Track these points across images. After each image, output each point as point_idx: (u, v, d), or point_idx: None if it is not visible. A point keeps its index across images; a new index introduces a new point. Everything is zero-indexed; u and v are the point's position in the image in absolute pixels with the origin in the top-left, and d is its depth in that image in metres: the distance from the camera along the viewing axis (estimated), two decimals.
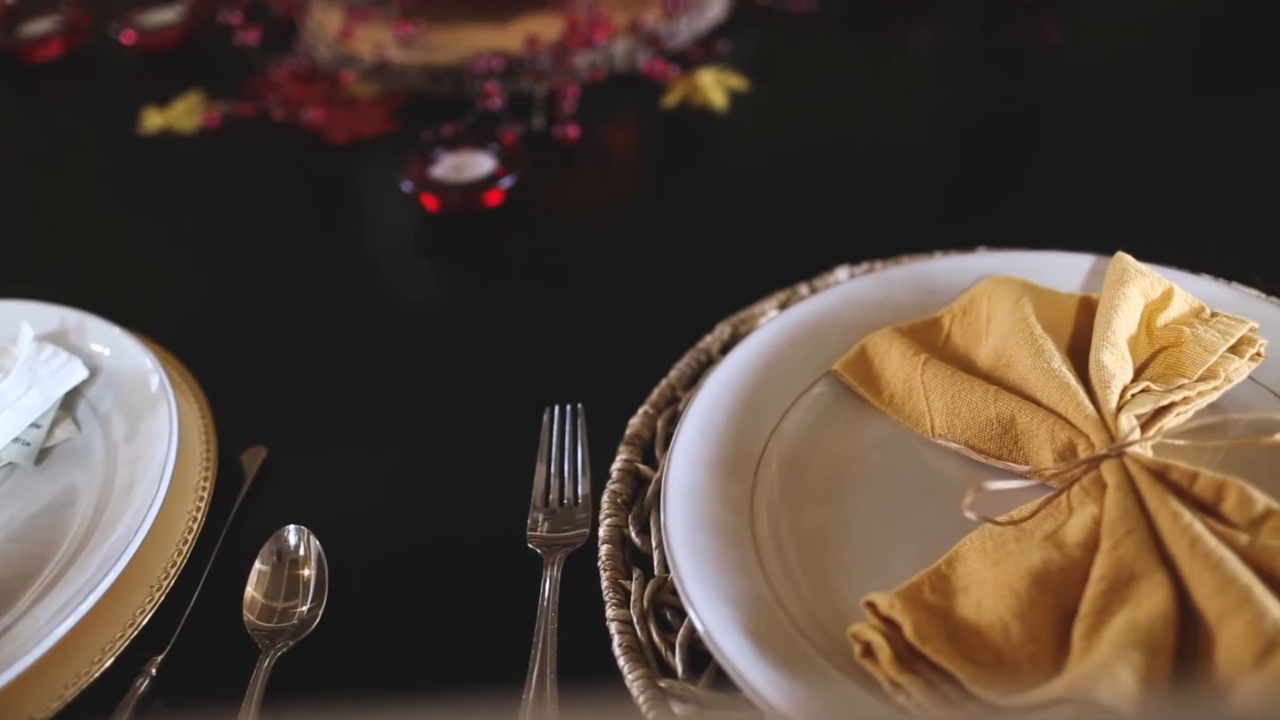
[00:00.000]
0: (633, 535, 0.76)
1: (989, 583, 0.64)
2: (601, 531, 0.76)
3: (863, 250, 0.98)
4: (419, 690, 0.71)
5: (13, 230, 1.29)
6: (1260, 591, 0.56)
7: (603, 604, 0.71)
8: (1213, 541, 0.60)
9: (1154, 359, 0.77)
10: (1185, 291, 0.81)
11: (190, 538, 0.78)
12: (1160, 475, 0.65)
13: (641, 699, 0.65)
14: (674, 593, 0.70)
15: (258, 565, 0.76)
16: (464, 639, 0.73)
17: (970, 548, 0.67)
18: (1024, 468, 0.72)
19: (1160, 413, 0.72)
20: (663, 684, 0.66)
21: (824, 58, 1.45)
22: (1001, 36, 1.44)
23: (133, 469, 0.82)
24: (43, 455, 0.86)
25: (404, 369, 0.98)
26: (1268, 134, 1.15)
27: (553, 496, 0.80)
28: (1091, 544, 0.64)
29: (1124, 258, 0.82)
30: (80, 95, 1.60)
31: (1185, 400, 0.73)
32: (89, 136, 1.47)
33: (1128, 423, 0.69)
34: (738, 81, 1.36)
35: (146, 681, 0.71)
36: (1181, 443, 0.70)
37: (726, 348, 0.89)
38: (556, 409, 0.87)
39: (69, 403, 0.89)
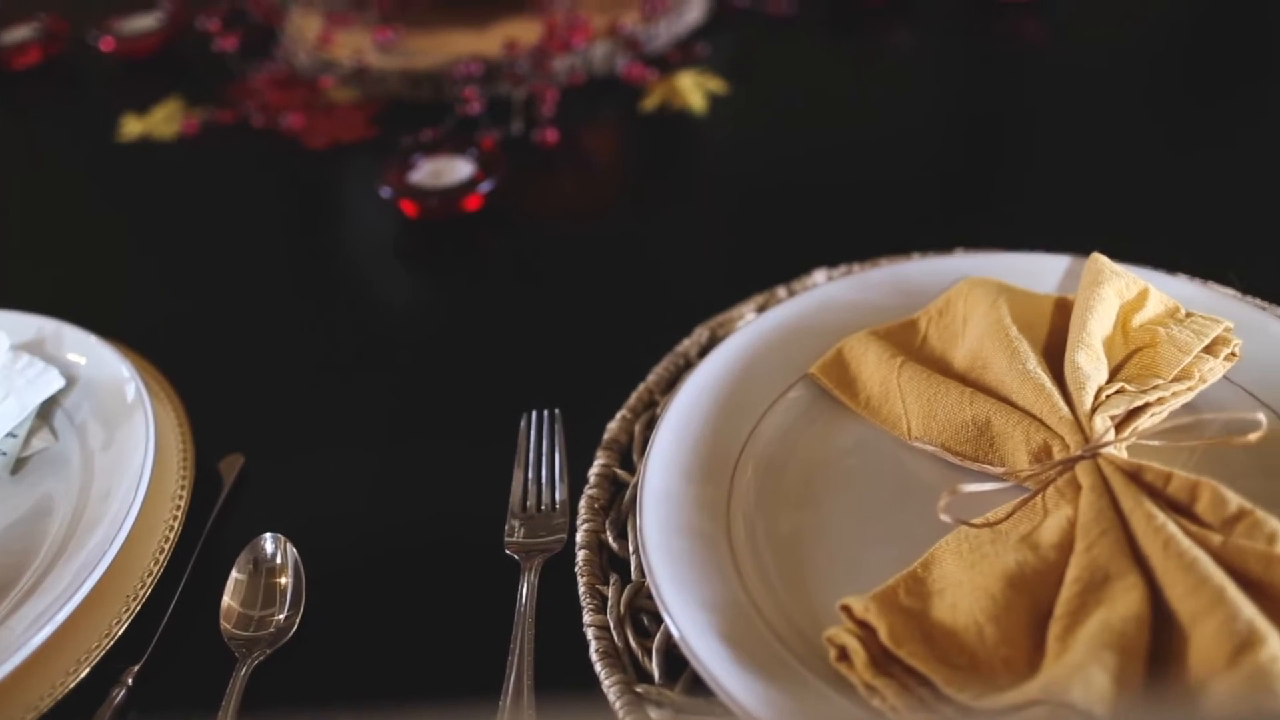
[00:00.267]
0: (610, 540, 0.76)
1: (964, 585, 0.64)
2: (579, 537, 0.76)
3: (842, 252, 0.98)
4: (396, 697, 0.70)
5: None
6: (1233, 592, 0.56)
7: (580, 609, 0.71)
8: (1186, 542, 0.60)
9: (1129, 360, 0.77)
10: (1160, 292, 0.81)
11: (167, 547, 0.78)
12: (1134, 476, 0.65)
13: (618, 704, 0.65)
14: (651, 598, 0.70)
15: (234, 574, 0.76)
16: (441, 645, 0.73)
17: (946, 550, 0.67)
18: (1000, 469, 0.72)
19: (1135, 413, 0.72)
20: (639, 689, 0.66)
21: (803, 60, 1.45)
22: (980, 38, 1.44)
23: (109, 478, 0.82)
24: (19, 465, 0.86)
25: (382, 375, 0.98)
26: (1246, 134, 1.16)
27: (530, 502, 0.80)
28: (1066, 545, 0.64)
29: (1099, 258, 0.82)
30: (59, 102, 1.60)
31: (1160, 401, 0.73)
32: (68, 144, 1.47)
33: (1102, 424, 0.69)
34: (716, 84, 1.36)
35: (123, 692, 0.71)
36: (1156, 443, 0.71)
37: (704, 351, 0.89)
38: (534, 414, 0.86)
39: (46, 412, 0.89)
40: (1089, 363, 0.73)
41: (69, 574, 0.73)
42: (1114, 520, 0.63)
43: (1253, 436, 0.66)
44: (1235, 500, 0.62)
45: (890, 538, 0.72)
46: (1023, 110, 1.28)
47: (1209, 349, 0.76)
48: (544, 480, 0.81)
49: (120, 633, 0.73)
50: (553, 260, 1.10)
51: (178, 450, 0.86)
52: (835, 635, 0.63)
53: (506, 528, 0.78)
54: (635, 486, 0.76)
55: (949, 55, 1.44)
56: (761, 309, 0.93)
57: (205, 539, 0.81)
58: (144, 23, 1.65)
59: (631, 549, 0.74)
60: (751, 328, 0.87)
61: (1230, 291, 0.87)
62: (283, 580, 0.76)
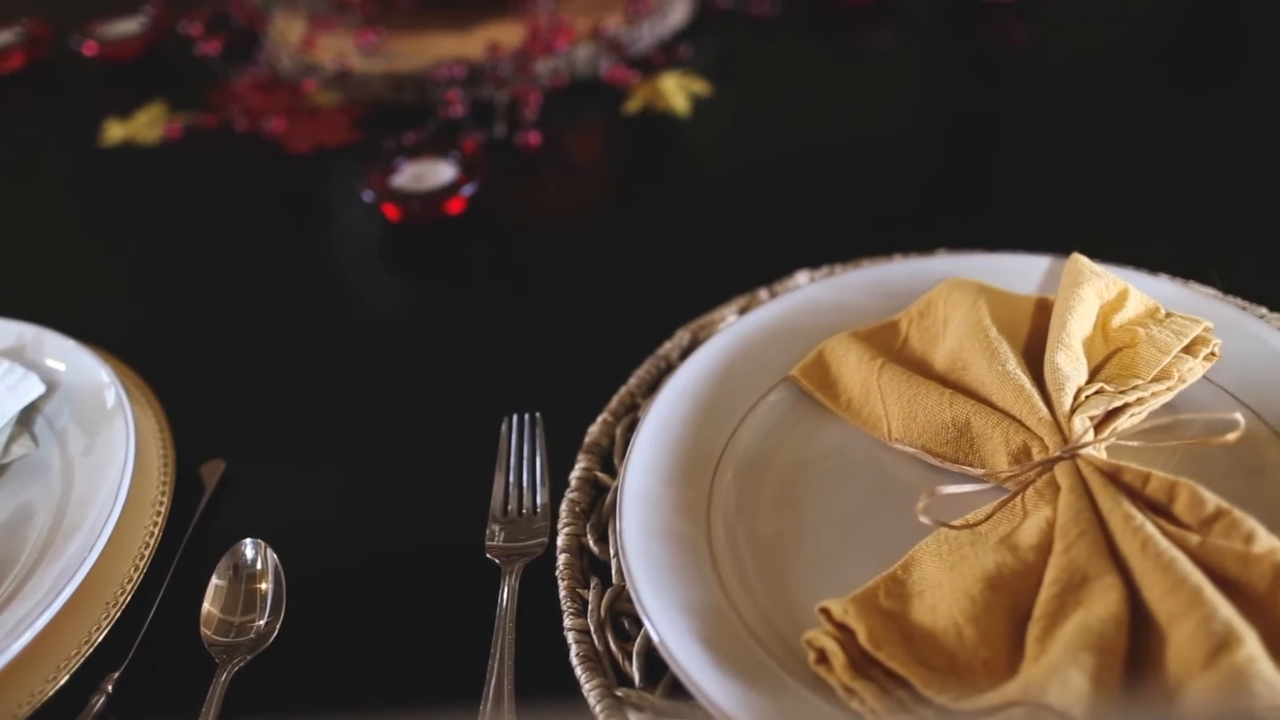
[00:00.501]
0: (591, 544, 0.76)
1: (944, 587, 0.64)
2: (559, 540, 0.75)
3: (826, 253, 0.98)
4: (377, 703, 0.70)
5: None
6: (1210, 592, 0.56)
7: (561, 613, 0.71)
8: (1164, 543, 0.60)
9: (1109, 360, 0.77)
10: (1140, 292, 0.81)
11: (147, 553, 0.78)
12: (1113, 477, 0.65)
13: (599, 708, 0.65)
14: (631, 601, 0.70)
15: (214, 580, 0.76)
16: (422, 650, 0.73)
17: (926, 552, 0.67)
18: (980, 471, 0.73)
19: (1114, 414, 0.72)
20: (620, 693, 0.66)
21: (787, 61, 1.45)
22: (963, 39, 1.45)
23: (89, 484, 0.81)
24: None
25: (365, 379, 0.98)
26: (1229, 133, 1.16)
27: (511, 506, 0.79)
28: (1045, 546, 0.64)
29: (1079, 259, 0.82)
30: (42, 107, 1.59)
31: (1139, 401, 0.73)
32: (51, 148, 1.47)
33: (1081, 424, 0.69)
34: (700, 86, 1.36)
35: (103, 699, 0.70)
36: (1135, 444, 0.71)
37: (686, 354, 0.88)
38: (515, 418, 0.86)
39: (26, 418, 0.89)
40: (1068, 363, 0.73)
41: (48, 580, 0.73)
42: (1092, 521, 0.63)
43: (1231, 437, 0.67)
44: (1213, 500, 0.62)
45: (871, 539, 0.72)
46: (1005, 111, 1.28)
47: (1189, 349, 0.76)
48: (525, 484, 0.81)
49: (100, 639, 0.73)
50: (535, 263, 1.10)
51: (158, 456, 0.86)
52: (814, 638, 0.63)
53: (487, 532, 0.78)
54: (615, 490, 0.76)
55: (932, 56, 1.44)
56: (743, 311, 0.93)
57: (186, 545, 0.81)
58: (127, 27, 1.64)
59: (613, 552, 0.74)
60: (732, 330, 0.87)
61: (1211, 291, 0.87)
62: (263, 586, 0.76)
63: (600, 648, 0.69)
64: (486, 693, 0.67)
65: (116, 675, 0.72)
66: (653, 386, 0.87)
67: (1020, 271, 0.88)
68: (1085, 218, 1.06)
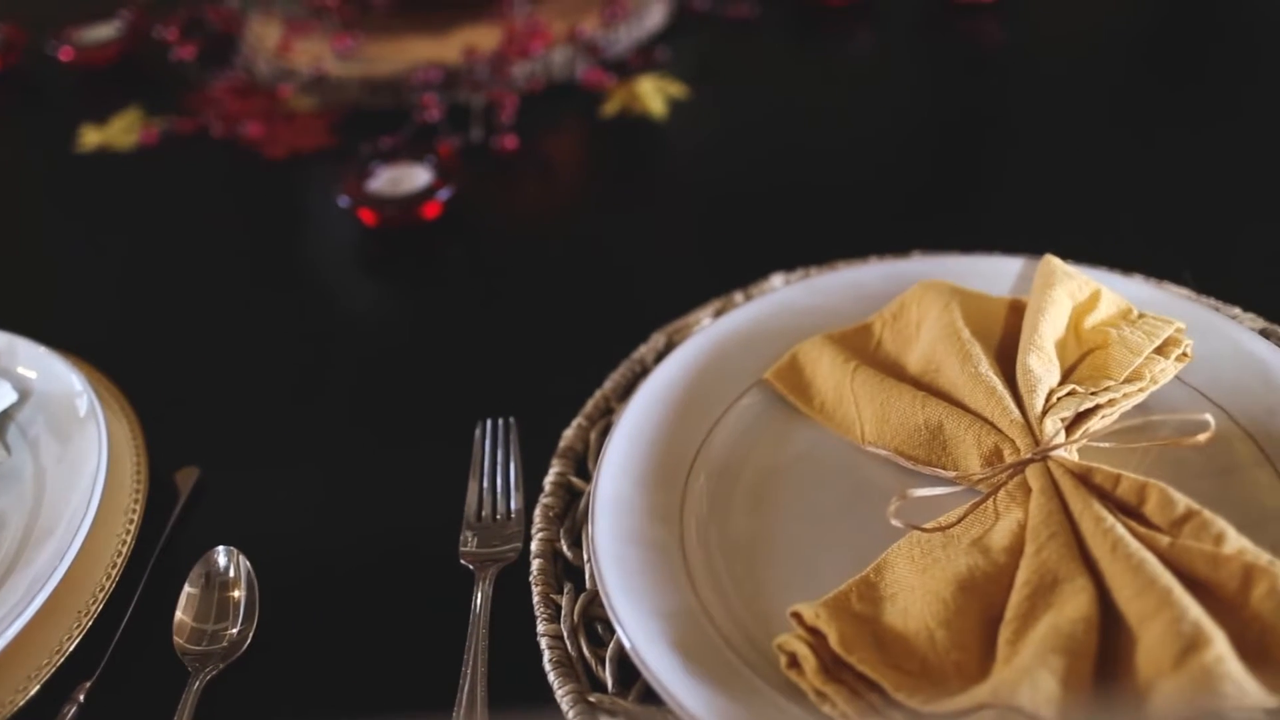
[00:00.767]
0: (564, 549, 0.75)
1: (916, 590, 0.64)
2: (533, 546, 0.75)
3: (803, 255, 0.98)
4: (350, 710, 0.70)
5: None
6: (1180, 593, 0.57)
7: (535, 619, 0.71)
8: (1134, 544, 0.60)
9: (1081, 361, 0.77)
10: (1113, 293, 0.81)
11: (120, 561, 0.77)
12: (1084, 479, 0.65)
13: (571, 713, 0.65)
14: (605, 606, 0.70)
15: (187, 588, 0.75)
16: (396, 657, 0.73)
17: (898, 555, 0.67)
18: (952, 473, 0.73)
19: (1085, 415, 0.72)
20: (593, 698, 0.66)
21: (764, 63, 1.45)
22: (941, 40, 1.45)
23: (62, 493, 0.81)
24: None
25: (340, 385, 0.97)
26: (1206, 134, 1.16)
27: (485, 512, 0.79)
28: (1017, 549, 0.64)
29: (1051, 260, 0.82)
30: (17, 113, 1.59)
31: (1111, 403, 0.73)
32: (26, 154, 1.46)
33: (1052, 426, 0.69)
34: (677, 89, 1.36)
35: (74, 709, 0.70)
36: (1107, 445, 0.71)
37: (661, 357, 0.88)
38: (489, 423, 0.86)
39: None
40: (1040, 365, 0.73)
41: (20, 589, 0.73)
42: (1063, 523, 0.63)
43: (1202, 438, 0.67)
44: (1183, 501, 0.62)
45: (844, 543, 0.72)
46: (983, 112, 1.28)
47: (1161, 350, 0.77)
48: (499, 489, 0.81)
49: (72, 649, 0.72)
50: (511, 267, 1.10)
51: (132, 463, 0.85)
52: (786, 642, 0.63)
53: (461, 538, 0.78)
54: (589, 495, 0.76)
55: (909, 57, 1.44)
56: (718, 314, 0.93)
57: (159, 553, 0.81)
58: (103, 32, 1.64)
59: (587, 557, 0.74)
60: (705, 334, 0.86)
61: (1185, 292, 0.87)
62: (236, 594, 0.75)
63: (573, 653, 0.69)
64: (460, 699, 0.67)
65: (89, 684, 0.72)
66: (628, 390, 0.87)
67: (995, 273, 0.88)
68: (1062, 218, 1.06)
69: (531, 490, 0.81)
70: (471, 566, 0.75)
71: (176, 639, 0.73)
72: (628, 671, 0.67)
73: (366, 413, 0.94)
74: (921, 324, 0.82)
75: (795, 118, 1.31)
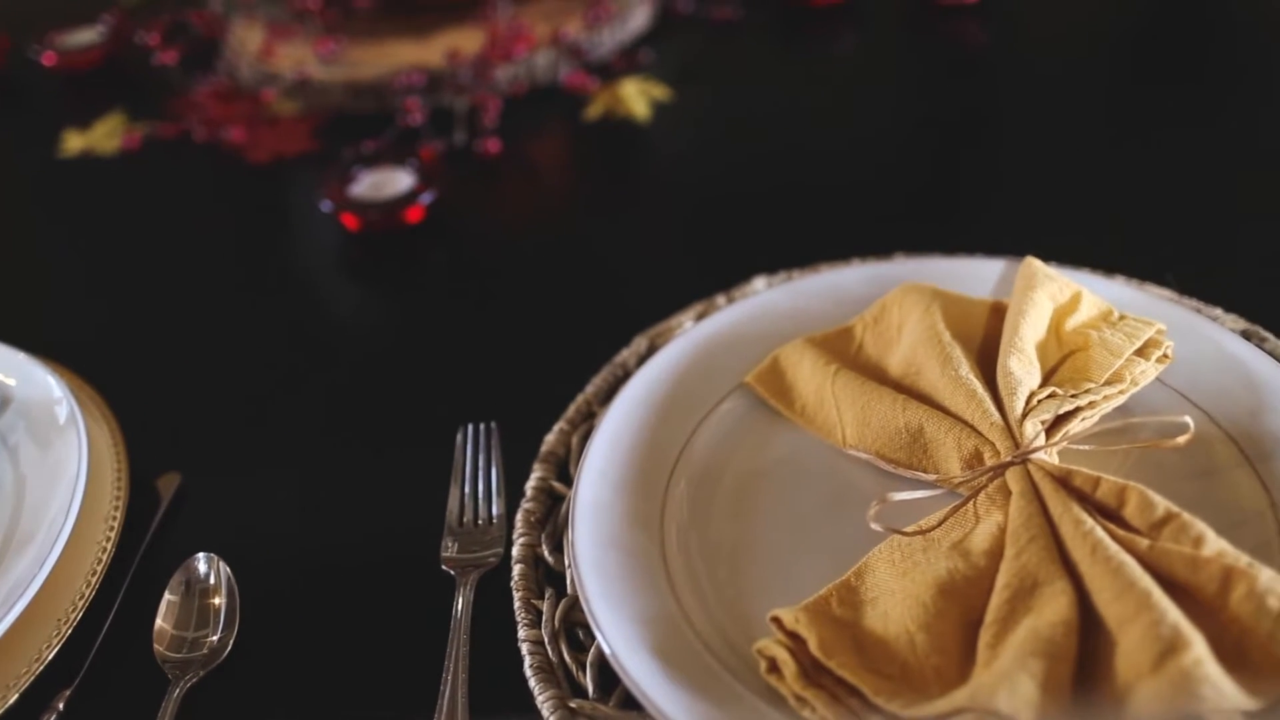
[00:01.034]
0: (546, 554, 0.75)
1: (896, 594, 0.64)
2: (515, 551, 0.75)
3: (787, 257, 0.98)
4: (330, 716, 0.70)
5: None
6: (1159, 596, 0.57)
7: (516, 624, 0.71)
8: (1114, 547, 0.60)
9: (1062, 363, 0.77)
10: (1094, 295, 0.81)
11: (100, 569, 0.77)
12: (1063, 481, 0.65)
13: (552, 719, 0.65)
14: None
15: (167, 595, 0.75)
16: (377, 663, 0.73)
17: (879, 559, 0.67)
18: (933, 476, 0.73)
19: (1065, 418, 0.72)
20: (573, 704, 0.65)
21: (748, 65, 1.45)
22: (925, 42, 1.45)
23: (41, 500, 0.81)
24: None
25: (323, 390, 0.97)
26: (1191, 136, 1.16)
27: (466, 518, 0.79)
28: (997, 552, 0.65)
29: (1033, 262, 0.82)
30: (0, 117, 1.58)
31: (1091, 405, 0.73)
32: (8, 159, 1.45)
33: (1032, 429, 0.69)
34: (661, 91, 1.36)
35: (54, 717, 0.70)
36: (1087, 447, 0.71)
37: (643, 361, 0.88)
38: (470, 428, 0.86)
39: None
40: (1021, 368, 0.73)
41: None
42: (1043, 526, 0.63)
43: (1182, 440, 0.67)
44: (1162, 504, 0.62)
45: (825, 547, 0.72)
46: (966, 113, 1.28)
47: (1141, 351, 0.76)
48: (480, 495, 0.81)
49: (51, 657, 0.72)
50: (494, 271, 1.10)
51: (113, 470, 0.85)
52: (765, 647, 0.63)
53: (442, 544, 0.77)
54: (569, 500, 0.76)
55: (893, 58, 1.44)
56: (700, 317, 0.92)
57: (140, 559, 0.81)
58: (86, 36, 1.63)
59: (568, 562, 0.74)
60: (686, 338, 0.86)
61: (1167, 293, 0.87)
62: (216, 600, 0.75)
63: (554, 659, 0.69)
64: (440, 705, 0.67)
65: (68, 693, 0.72)
66: (609, 394, 0.87)
67: (976, 275, 0.88)
68: (1045, 219, 1.06)
69: (513, 495, 0.80)
70: (453, 572, 0.75)
71: (157, 646, 0.73)
72: (609, 677, 0.67)
73: (348, 418, 0.94)
74: (903, 327, 0.82)
75: (779, 120, 1.31)
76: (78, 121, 1.45)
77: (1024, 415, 0.70)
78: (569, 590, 0.72)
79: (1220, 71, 1.27)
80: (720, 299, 0.94)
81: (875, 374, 0.81)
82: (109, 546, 0.79)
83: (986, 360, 0.77)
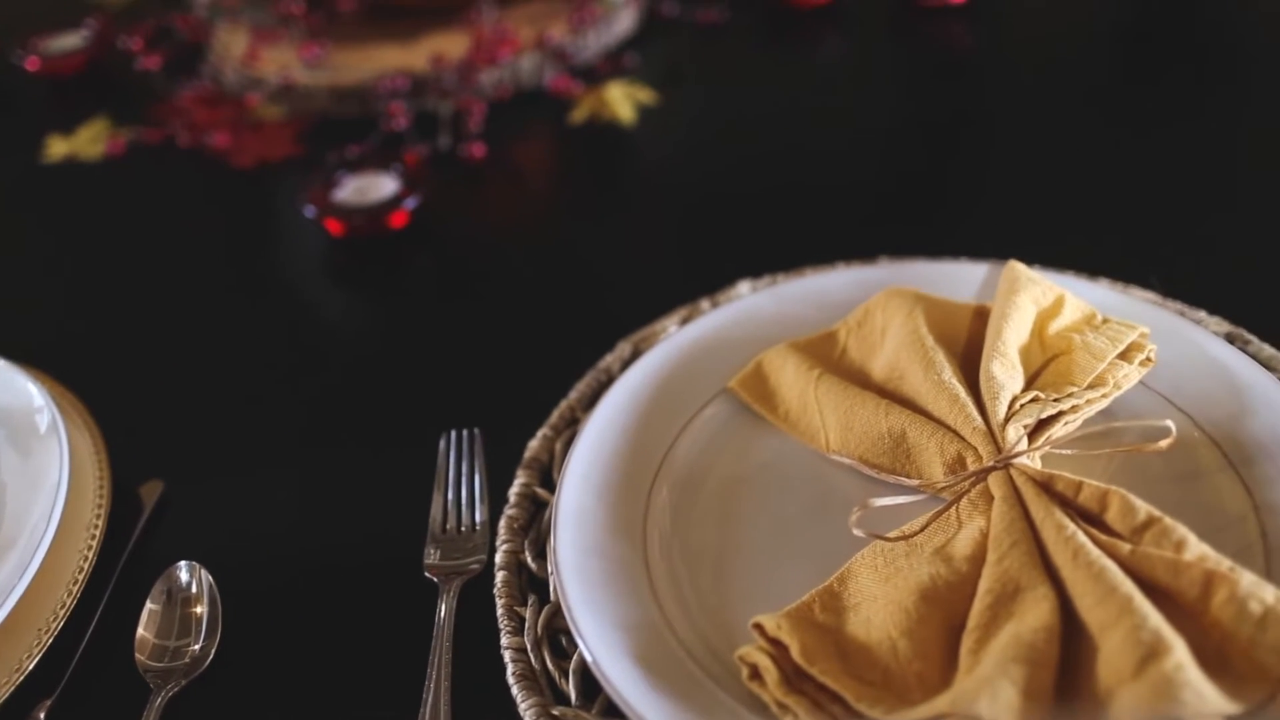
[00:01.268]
0: (529, 561, 0.75)
1: (879, 599, 0.64)
2: (498, 558, 0.75)
3: (772, 260, 0.98)
4: None
5: None
6: (1140, 601, 0.57)
7: (499, 631, 0.71)
8: (1095, 552, 0.60)
9: (1045, 368, 0.77)
10: (1077, 298, 0.81)
11: (81, 577, 0.77)
12: (1046, 486, 0.65)
13: None
14: None
15: (148, 604, 0.75)
16: (359, 670, 0.72)
17: (862, 564, 0.67)
18: (915, 481, 0.72)
19: (1048, 422, 0.72)
20: (556, 712, 0.65)
21: (733, 68, 1.45)
22: (909, 43, 1.45)
23: (22, 508, 0.80)
24: None
25: (307, 397, 0.97)
26: (1175, 137, 1.16)
27: (450, 525, 0.79)
28: (979, 557, 0.64)
29: (1016, 266, 0.82)
30: None
31: (1074, 409, 0.73)
32: None
33: (1014, 433, 0.69)
34: (646, 95, 1.36)
35: None
36: (1070, 452, 0.71)
37: (627, 366, 0.88)
38: (453, 434, 0.86)
39: None
40: (1004, 372, 0.73)
41: None
42: (1025, 531, 0.63)
43: (1164, 444, 0.67)
44: (1144, 508, 0.62)
45: (808, 552, 0.72)
46: (951, 116, 1.28)
47: (1124, 355, 0.77)
48: (463, 502, 0.80)
49: (32, 667, 0.71)
50: (479, 276, 1.10)
51: (94, 478, 0.85)
52: (747, 654, 0.62)
53: (425, 551, 0.77)
54: (552, 506, 0.75)
55: (878, 61, 1.44)
56: (685, 322, 0.92)
57: (123, 568, 0.80)
58: (70, 41, 1.62)
59: (550, 569, 0.73)
60: (670, 342, 0.86)
61: (1151, 296, 0.87)
62: (198, 609, 0.75)
63: (537, 666, 0.68)
64: (423, 713, 0.66)
65: (49, 703, 0.71)
66: (593, 400, 0.86)
67: (961, 279, 0.88)
68: (1031, 222, 1.06)
69: (497, 501, 0.80)
70: (436, 579, 0.75)
71: (138, 656, 0.72)
72: (591, 684, 0.66)
73: (332, 424, 0.94)
74: (886, 331, 0.82)
75: (764, 122, 1.31)
76: (61, 127, 1.45)
77: (1006, 420, 0.70)
78: (552, 597, 0.72)
79: (1206, 72, 1.27)
80: (705, 303, 0.94)
81: (859, 378, 0.81)
82: (90, 555, 0.78)
83: (970, 364, 0.77)
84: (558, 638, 0.70)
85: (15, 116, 1.57)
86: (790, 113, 1.32)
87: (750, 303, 0.90)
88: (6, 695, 0.70)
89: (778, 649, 0.62)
